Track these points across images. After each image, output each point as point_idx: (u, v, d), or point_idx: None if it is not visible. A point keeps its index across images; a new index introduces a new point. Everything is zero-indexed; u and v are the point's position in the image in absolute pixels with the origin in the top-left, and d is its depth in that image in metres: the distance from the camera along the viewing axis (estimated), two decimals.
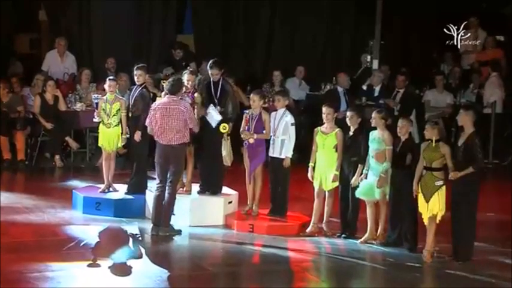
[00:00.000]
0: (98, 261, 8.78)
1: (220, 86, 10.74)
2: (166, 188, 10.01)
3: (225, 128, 10.53)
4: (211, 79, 10.77)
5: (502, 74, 16.20)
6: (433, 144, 9.22)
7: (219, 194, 10.88)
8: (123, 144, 11.34)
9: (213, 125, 10.61)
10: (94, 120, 11.39)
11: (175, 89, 10.03)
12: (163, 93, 10.47)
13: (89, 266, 8.68)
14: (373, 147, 9.82)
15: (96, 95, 11.58)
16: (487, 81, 15.94)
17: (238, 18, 17.75)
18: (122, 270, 8.64)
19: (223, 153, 10.61)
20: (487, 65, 16.57)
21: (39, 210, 10.97)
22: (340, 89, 14.86)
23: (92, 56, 16.47)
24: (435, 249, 9.38)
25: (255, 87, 12.86)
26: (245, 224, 10.46)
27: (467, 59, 17.36)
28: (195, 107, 10.56)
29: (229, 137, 10.67)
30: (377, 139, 9.79)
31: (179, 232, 10.06)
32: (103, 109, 11.18)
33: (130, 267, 8.76)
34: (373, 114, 9.93)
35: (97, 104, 11.25)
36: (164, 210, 10.00)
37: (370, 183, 9.80)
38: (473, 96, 16.25)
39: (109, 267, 8.66)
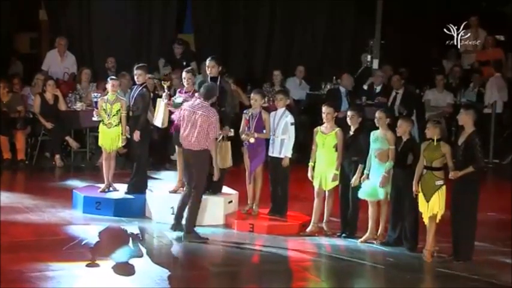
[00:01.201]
0: (97, 261, 8.78)
1: (218, 85, 10.70)
2: (191, 192, 9.91)
3: None
4: (209, 76, 10.75)
5: (504, 74, 16.19)
6: (435, 143, 9.22)
7: (219, 194, 10.87)
8: (122, 144, 11.33)
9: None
10: (93, 119, 11.38)
11: (209, 95, 9.85)
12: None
13: (87, 266, 8.67)
14: (375, 146, 9.81)
15: (95, 94, 11.59)
16: (489, 81, 15.90)
17: (238, 18, 17.74)
18: (122, 270, 8.64)
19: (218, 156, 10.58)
20: (487, 65, 16.58)
21: (40, 210, 10.96)
22: (342, 89, 14.88)
23: (92, 56, 16.47)
24: (435, 248, 9.38)
25: (255, 87, 12.88)
26: (245, 223, 10.46)
27: (468, 58, 17.36)
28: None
29: (229, 141, 10.64)
30: (380, 139, 9.78)
31: (205, 240, 9.83)
32: (103, 109, 11.17)
33: (131, 267, 8.76)
34: (377, 114, 9.91)
35: (96, 102, 11.25)
36: (187, 216, 9.88)
37: (373, 184, 9.79)
38: (473, 96, 16.25)
39: (110, 267, 8.66)
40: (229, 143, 10.62)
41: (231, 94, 10.92)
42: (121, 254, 9.27)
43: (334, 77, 16.24)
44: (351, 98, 14.81)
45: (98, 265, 8.72)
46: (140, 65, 11.24)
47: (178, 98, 10.59)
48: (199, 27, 17.60)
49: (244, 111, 10.78)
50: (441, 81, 16.02)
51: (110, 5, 16.33)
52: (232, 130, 10.57)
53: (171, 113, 10.65)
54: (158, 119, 10.95)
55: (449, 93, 16.00)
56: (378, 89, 15.79)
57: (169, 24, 17.18)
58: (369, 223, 9.95)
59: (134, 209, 10.92)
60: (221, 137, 10.41)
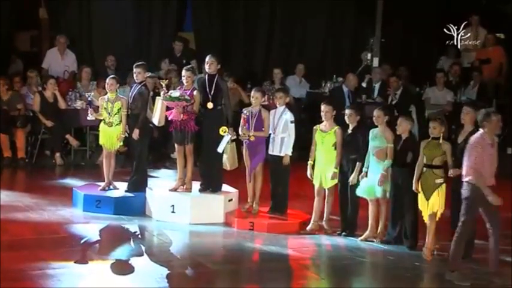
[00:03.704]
0: (86, 259, 8.78)
1: (215, 82, 10.70)
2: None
3: (224, 131, 10.50)
4: (207, 72, 10.75)
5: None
6: (440, 141, 9.22)
7: (219, 192, 10.88)
8: (121, 143, 11.30)
9: (219, 149, 10.57)
10: (88, 118, 11.41)
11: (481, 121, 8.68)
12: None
13: (76, 262, 8.66)
14: (374, 144, 9.82)
15: (89, 94, 11.64)
16: None
17: (238, 18, 17.73)
18: (122, 268, 8.65)
19: (224, 157, 10.62)
20: (488, 63, 16.58)
21: (40, 208, 10.96)
22: (345, 89, 14.87)
23: (92, 54, 16.49)
24: (435, 247, 9.39)
25: (255, 85, 12.87)
26: (245, 221, 10.46)
27: (468, 57, 17.36)
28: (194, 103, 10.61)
29: (233, 142, 10.66)
30: (379, 137, 9.78)
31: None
32: (104, 108, 11.18)
33: (131, 265, 8.77)
34: (376, 112, 9.91)
35: (90, 102, 11.27)
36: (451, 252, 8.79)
37: (371, 182, 9.79)
38: (473, 94, 16.23)
39: (110, 266, 8.67)
40: (234, 144, 10.65)
41: (227, 93, 10.90)
42: (121, 252, 9.27)
43: (334, 75, 16.24)
44: (354, 98, 14.81)
45: (86, 262, 8.72)
46: (139, 63, 11.23)
47: (175, 93, 10.60)
48: (200, 27, 17.59)
49: (243, 110, 10.78)
50: (441, 79, 16.01)
51: (110, 4, 16.35)
52: (235, 133, 10.58)
53: (168, 108, 10.66)
54: (155, 118, 10.97)
55: (449, 91, 15.98)
56: (377, 86, 15.78)
57: (170, 23, 17.18)
58: (369, 221, 9.96)
59: (134, 207, 10.92)
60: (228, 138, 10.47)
